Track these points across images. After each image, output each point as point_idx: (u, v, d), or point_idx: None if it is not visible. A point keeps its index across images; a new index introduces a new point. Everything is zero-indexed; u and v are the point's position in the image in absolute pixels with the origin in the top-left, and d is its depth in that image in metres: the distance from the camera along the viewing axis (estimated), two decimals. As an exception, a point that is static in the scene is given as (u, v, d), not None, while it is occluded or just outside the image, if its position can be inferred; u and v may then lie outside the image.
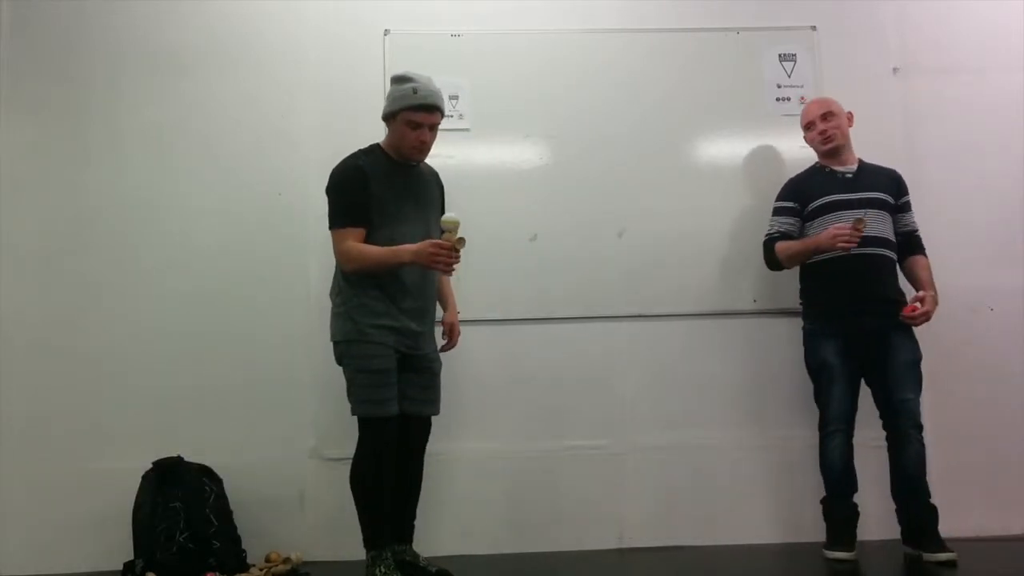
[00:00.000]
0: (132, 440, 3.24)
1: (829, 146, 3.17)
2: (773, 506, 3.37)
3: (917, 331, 3.22)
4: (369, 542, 2.76)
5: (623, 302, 3.44)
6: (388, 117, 2.83)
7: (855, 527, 3.08)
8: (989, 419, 3.41)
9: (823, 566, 2.99)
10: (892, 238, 3.14)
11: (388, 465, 2.78)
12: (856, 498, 3.11)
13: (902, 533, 3.07)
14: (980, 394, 3.42)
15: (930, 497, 3.02)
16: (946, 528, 3.01)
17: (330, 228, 2.80)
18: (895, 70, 3.59)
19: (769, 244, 3.22)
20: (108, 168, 3.41)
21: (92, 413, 3.30)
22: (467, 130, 3.48)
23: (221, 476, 3.19)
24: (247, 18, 3.51)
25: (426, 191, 2.94)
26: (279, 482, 3.31)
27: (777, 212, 3.23)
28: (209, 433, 3.28)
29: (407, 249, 2.70)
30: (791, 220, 3.19)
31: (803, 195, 3.19)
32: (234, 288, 3.38)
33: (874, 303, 3.06)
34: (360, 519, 2.77)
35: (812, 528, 3.20)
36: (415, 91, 2.78)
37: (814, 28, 3.61)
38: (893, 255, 3.14)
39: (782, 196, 3.25)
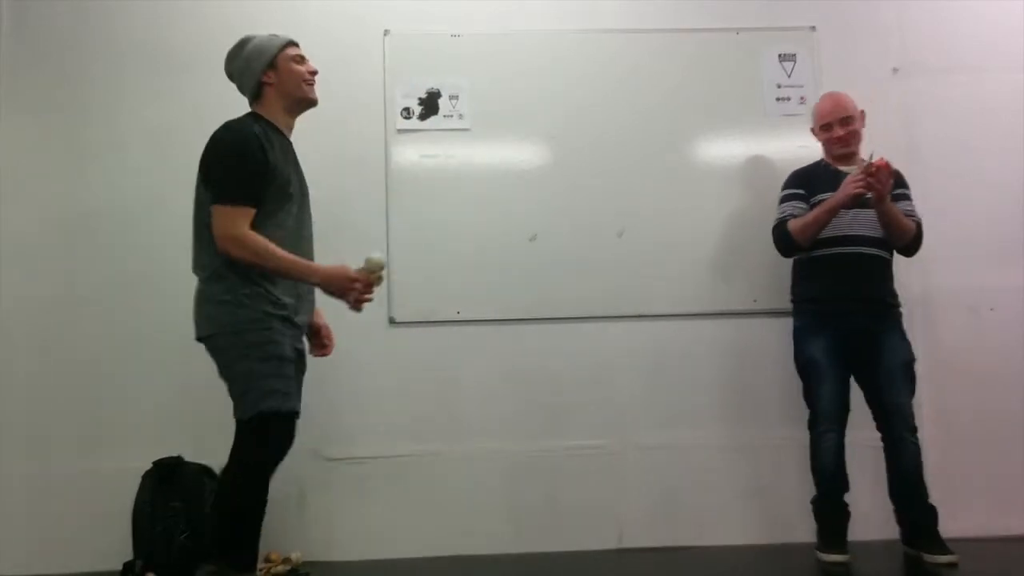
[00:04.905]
0: (132, 440, 3.25)
1: (844, 151, 3.13)
2: (773, 506, 3.37)
3: (914, 329, 3.21)
4: (235, 565, 2.35)
5: (623, 302, 3.44)
6: (266, 70, 2.52)
7: (846, 528, 3.06)
8: (989, 419, 3.41)
9: (823, 567, 2.98)
10: (885, 238, 3.08)
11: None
12: (849, 498, 3.08)
13: (902, 535, 3.07)
14: (980, 394, 3.41)
15: (928, 497, 3.01)
16: (946, 528, 3.01)
17: (216, 202, 2.37)
18: (895, 70, 3.59)
19: (781, 226, 3.14)
20: (108, 168, 3.42)
21: (92, 413, 3.30)
22: (467, 130, 3.49)
23: (221, 476, 3.19)
24: (247, 18, 3.51)
25: (301, 169, 2.63)
26: (279, 482, 3.27)
27: (786, 199, 3.18)
28: (209, 433, 3.26)
29: (319, 270, 2.45)
30: (802, 205, 3.12)
31: (807, 186, 3.14)
32: (234, 288, 3.37)
33: (863, 303, 3.05)
34: (229, 534, 2.37)
35: (812, 528, 3.19)
36: (273, 35, 2.58)
37: (814, 28, 3.61)
38: (885, 255, 3.10)
39: (789, 184, 3.20)
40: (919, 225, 3.09)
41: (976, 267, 3.47)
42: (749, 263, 3.43)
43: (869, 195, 2.94)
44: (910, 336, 3.18)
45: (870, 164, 2.91)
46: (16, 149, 3.42)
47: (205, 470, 3.17)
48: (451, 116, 3.49)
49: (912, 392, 3.03)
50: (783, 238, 3.14)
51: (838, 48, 3.59)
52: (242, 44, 2.58)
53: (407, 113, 3.49)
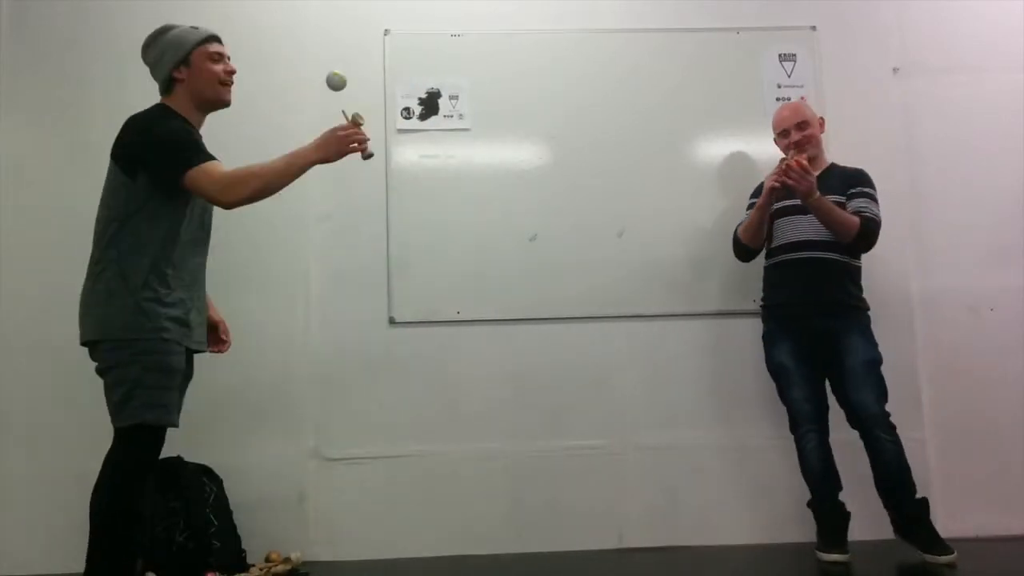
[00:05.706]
0: (132, 440, 3.24)
1: (802, 156, 3.10)
2: (773, 506, 3.37)
3: (914, 329, 3.20)
4: None
5: (622, 302, 3.44)
6: (178, 65, 2.41)
7: (847, 527, 3.06)
8: (989, 419, 3.41)
9: (823, 567, 2.98)
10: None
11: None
12: (848, 498, 3.08)
13: (892, 524, 3.05)
14: (980, 394, 3.41)
15: (916, 492, 2.99)
16: (946, 528, 3.01)
17: (184, 171, 2.26)
18: (895, 70, 3.59)
19: (734, 233, 3.26)
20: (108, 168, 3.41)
21: (92, 413, 3.27)
22: (467, 130, 3.49)
23: (221, 476, 3.19)
24: (247, 18, 3.51)
25: None
26: (279, 482, 3.31)
27: (748, 208, 3.25)
28: (208, 433, 3.27)
29: (310, 148, 2.32)
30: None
31: None
32: (233, 287, 3.36)
33: (820, 305, 3.06)
34: (100, 556, 2.28)
35: (812, 528, 3.19)
36: (194, 27, 2.45)
37: (814, 28, 3.61)
38: (842, 258, 3.08)
39: (753, 194, 3.27)
40: (870, 221, 3.02)
41: (976, 267, 3.47)
42: (749, 263, 3.43)
43: (797, 198, 2.99)
44: (911, 336, 3.18)
45: (783, 160, 2.99)
46: (16, 149, 3.42)
47: (204, 470, 3.17)
48: (451, 116, 3.49)
49: (880, 391, 2.99)
50: (735, 244, 3.25)
51: (838, 48, 3.59)
52: (159, 33, 2.47)
53: (407, 113, 3.49)
